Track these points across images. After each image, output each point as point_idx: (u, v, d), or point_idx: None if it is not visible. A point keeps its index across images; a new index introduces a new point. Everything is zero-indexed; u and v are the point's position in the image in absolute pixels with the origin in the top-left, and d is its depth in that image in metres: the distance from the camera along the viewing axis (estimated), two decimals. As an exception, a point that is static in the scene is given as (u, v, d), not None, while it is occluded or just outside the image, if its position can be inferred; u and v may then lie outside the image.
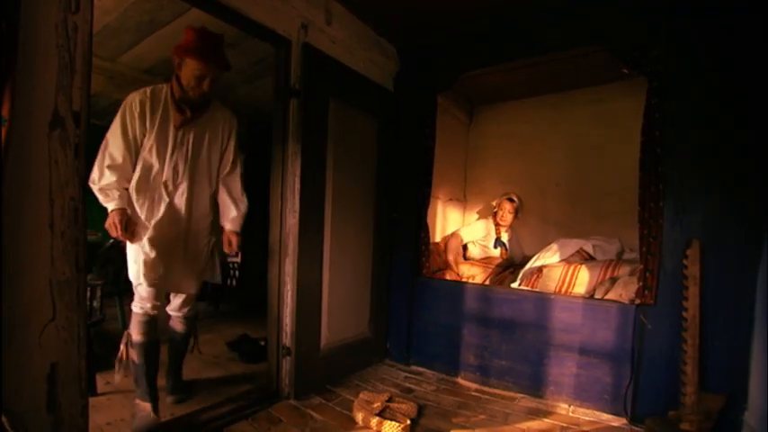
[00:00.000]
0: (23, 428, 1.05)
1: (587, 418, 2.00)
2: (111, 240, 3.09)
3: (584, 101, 3.25)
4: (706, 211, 1.81)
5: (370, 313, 2.68)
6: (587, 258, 2.60)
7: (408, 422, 1.81)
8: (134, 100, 1.74)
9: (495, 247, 3.24)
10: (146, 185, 1.77)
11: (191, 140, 1.83)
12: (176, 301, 2.02)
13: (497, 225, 3.28)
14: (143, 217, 1.77)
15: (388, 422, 1.77)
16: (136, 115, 1.72)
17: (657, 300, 1.90)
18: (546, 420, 1.98)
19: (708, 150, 1.83)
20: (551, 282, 2.42)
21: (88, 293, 2.14)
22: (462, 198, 3.95)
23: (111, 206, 1.67)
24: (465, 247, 3.34)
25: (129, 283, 1.84)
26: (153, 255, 1.75)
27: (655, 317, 1.90)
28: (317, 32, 2.20)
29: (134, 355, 1.80)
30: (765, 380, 1.56)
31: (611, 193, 3.03)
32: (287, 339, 2.12)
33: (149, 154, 1.75)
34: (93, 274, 2.85)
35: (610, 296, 2.14)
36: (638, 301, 1.96)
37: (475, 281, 2.89)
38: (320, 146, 2.23)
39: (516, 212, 3.27)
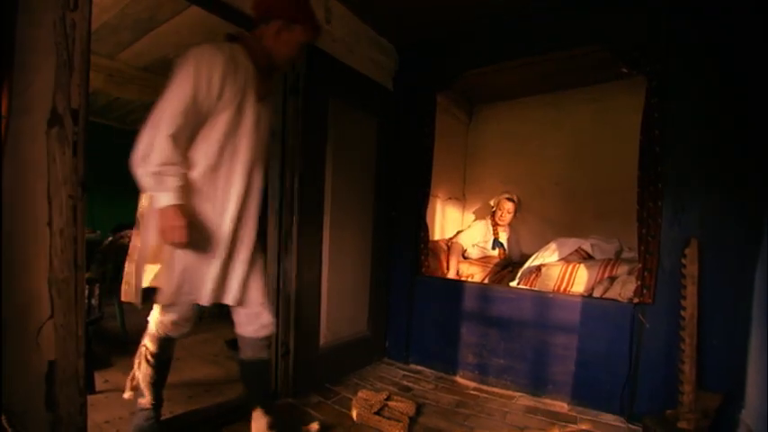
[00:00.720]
0: (22, 427, 1.05)
1: (585, 417, 2.01)
2: (110, 238, 3.08)
3: (584, 100, 3.25)
4: (705, 210, 1.82)
5: (368, 312, 2.68)
6: (586, 257, 2.60)
7: (406, 420, 1.82)
8: (215, 58, 1.31)
9: (494, 248, 3.24)
10: (216, 172, 1.39)
11: (263, 115, 1.51)
12: (254, 315, 1.55)
13: (495, 225, 3.28)
14: (212, 211, 1.40)
15: (387, 421, 1.78)
16: (217, 77, 1.30)
17: (656, 299, 1.91)
18: (544, 419, 1.98)
19: (707, 150, 1.83)
20: (550, 281, 2.42)
21: (87, 291, 2.14)
22: (462, 197, 3.96)
23: (169, 198, 1.25)
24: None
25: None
26: (221, 262, 1.41)
27: (653, 316, 1.91)
28: (317, 31, 2.19)
29: (146, 366, 1.57)
30: (762, 379, 1.56)
31: (611, 192, 3.03)
32: (285, 338, 2.12)
33: (229, 128, 1.38)
34: (91, 272, 2.85)
35: (608, 295, 2.14)
36: (636, 300, 1.97)
37: (473, 280, 2.89)
38: (319, 144, 2.23)
39: (515, 212, 3.27)
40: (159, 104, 1.26)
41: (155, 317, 1.53)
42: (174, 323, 1.50)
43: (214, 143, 1.37)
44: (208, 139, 1.36)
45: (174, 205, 1.25)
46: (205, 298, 1.42)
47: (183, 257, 1.37)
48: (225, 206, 1.42)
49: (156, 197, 1.27)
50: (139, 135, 1.24)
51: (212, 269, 1.41)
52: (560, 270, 2.43)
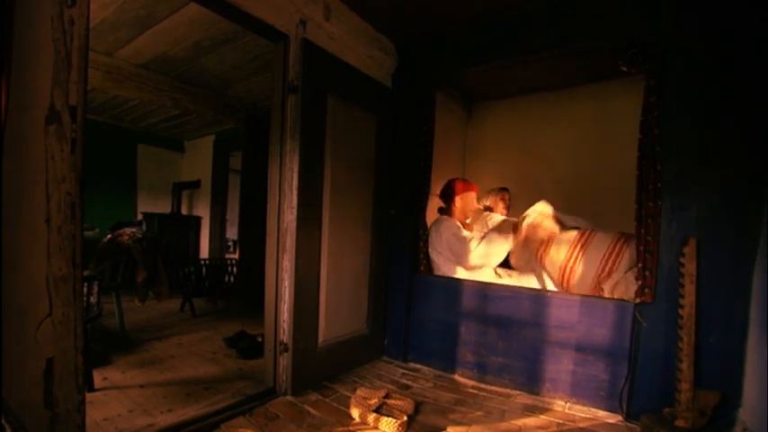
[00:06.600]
0: (20, 425, 1.05)
1: (583, 415, 2.01)
2: (109, 236, 3.08)
3: (584, 98, 3.25)
4: (703, 209, 1.81)
5: (367, 310, 2.68)
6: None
7: (405, 418, 1.82)
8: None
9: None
10: None
11: None
12: None
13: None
14: None
15: (385, 418, 1.78)
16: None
17: (654, 297, 1.91)
18: (542, 417, 1.99)
19: (706, 149, 1.83)
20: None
21: (85, 289, 2.13)
22: (460, 195, 3.95)
23: None
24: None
25: (126, 279, 1.74)
26: None
27: (651, 314, 1.91)
28: (316, 28, 2.19)
29: None
30: (760, 377, 1.57)
31: (610, 191, 3.03)
32: (284, 336, 2.12)
33: None
34: (89, 269, 2.85)
35: (609, 284, 2.15)
36: (635, 300, 1.97)
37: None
38: (318, 142, 2.22)
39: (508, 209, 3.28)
40: None
41: None
42: None
43: None
44: None
45: None
46: None
47: None
48: None
49: None
50: None
51: None
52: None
